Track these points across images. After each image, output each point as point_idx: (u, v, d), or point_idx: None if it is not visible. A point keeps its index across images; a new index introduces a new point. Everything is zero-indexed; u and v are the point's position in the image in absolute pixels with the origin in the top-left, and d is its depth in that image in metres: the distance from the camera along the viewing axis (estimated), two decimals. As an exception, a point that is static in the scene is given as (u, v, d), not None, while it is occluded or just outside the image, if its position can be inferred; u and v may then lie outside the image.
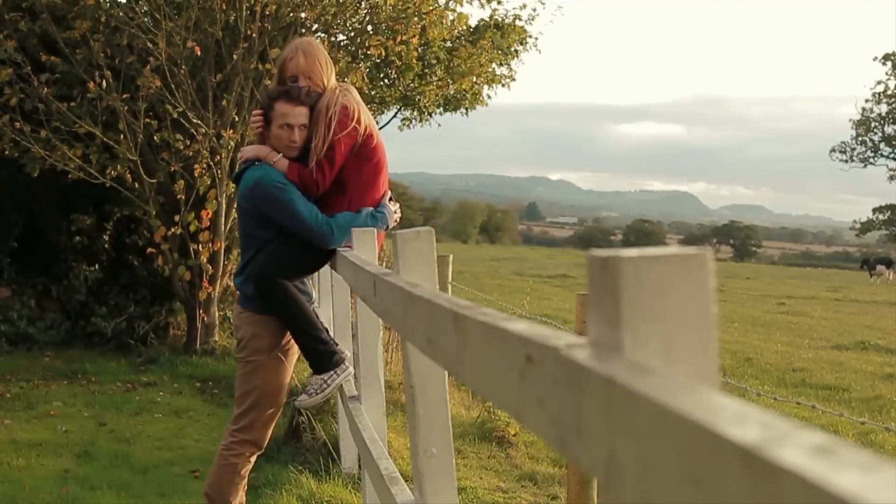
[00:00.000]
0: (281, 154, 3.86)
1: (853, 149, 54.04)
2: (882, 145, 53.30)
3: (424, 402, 2.42)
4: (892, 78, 51.95)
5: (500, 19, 11.85)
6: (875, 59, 52.70)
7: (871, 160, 53.68)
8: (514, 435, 6.18)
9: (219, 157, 8.77)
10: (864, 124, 53.40)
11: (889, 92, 52.24)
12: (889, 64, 51.84)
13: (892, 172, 52.49)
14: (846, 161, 54.00)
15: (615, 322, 0.91)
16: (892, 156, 53.07)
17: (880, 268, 39.85)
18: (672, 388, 0.74)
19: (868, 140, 53.52)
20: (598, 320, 0.96)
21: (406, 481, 2.97)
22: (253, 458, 4.02)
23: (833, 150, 54.96)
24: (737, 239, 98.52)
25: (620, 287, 0.90)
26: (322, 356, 3.92)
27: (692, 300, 0.91)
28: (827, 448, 0.55)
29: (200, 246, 9.11)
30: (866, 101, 53.47)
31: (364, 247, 4.00)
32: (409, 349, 2.39)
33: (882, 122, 52.93)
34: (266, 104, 3.88)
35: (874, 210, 55.05)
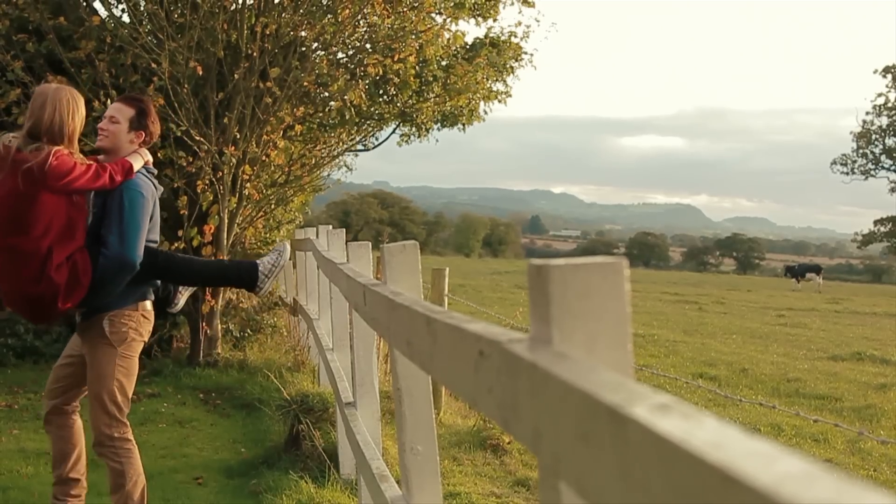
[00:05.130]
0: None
1: (854, 161, 54.23)
2: (883, 157, 53.48)
3: (411, 404, 2.60)
4: (893, 90, 52.19)
5: (495, 37, 12.06)
6: (875, 71, 52.98)
7: (872, 172, 53.86)
8: (509, 443, 6.32)
9: (221, 174, 8.95)
10: (864, 136, 53.58)
11: (889, 104, 52.46)
12: (889, 76, 52.09)
13: (892, 185, 52.65)
14: (847, 173, 54.21)
15: (547, 320, 1.09)
16: (892, 168, 53.23)
17: (810, 275, 41.08)
18: (577, 369, 0.92)
19: (869, 152, 53.70)
20: (535, 319, 1.15)
21: (399, 485, 3.14)
22: None
23: (834, 163, 55.18)
24: (740, 251, 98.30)
25: (550, 290, 1.08)
26: None
27: (610, 301, 1.08)
28: (667, 405, 0.73)
29: (203, 260, 9.30)
30: (867, 113, 53.75)
31: (359, 259, 4.19)
32: (396, 355, 2.57)
33: (883, 134, 53.12)
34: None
35: (875, 222, 55.21)
